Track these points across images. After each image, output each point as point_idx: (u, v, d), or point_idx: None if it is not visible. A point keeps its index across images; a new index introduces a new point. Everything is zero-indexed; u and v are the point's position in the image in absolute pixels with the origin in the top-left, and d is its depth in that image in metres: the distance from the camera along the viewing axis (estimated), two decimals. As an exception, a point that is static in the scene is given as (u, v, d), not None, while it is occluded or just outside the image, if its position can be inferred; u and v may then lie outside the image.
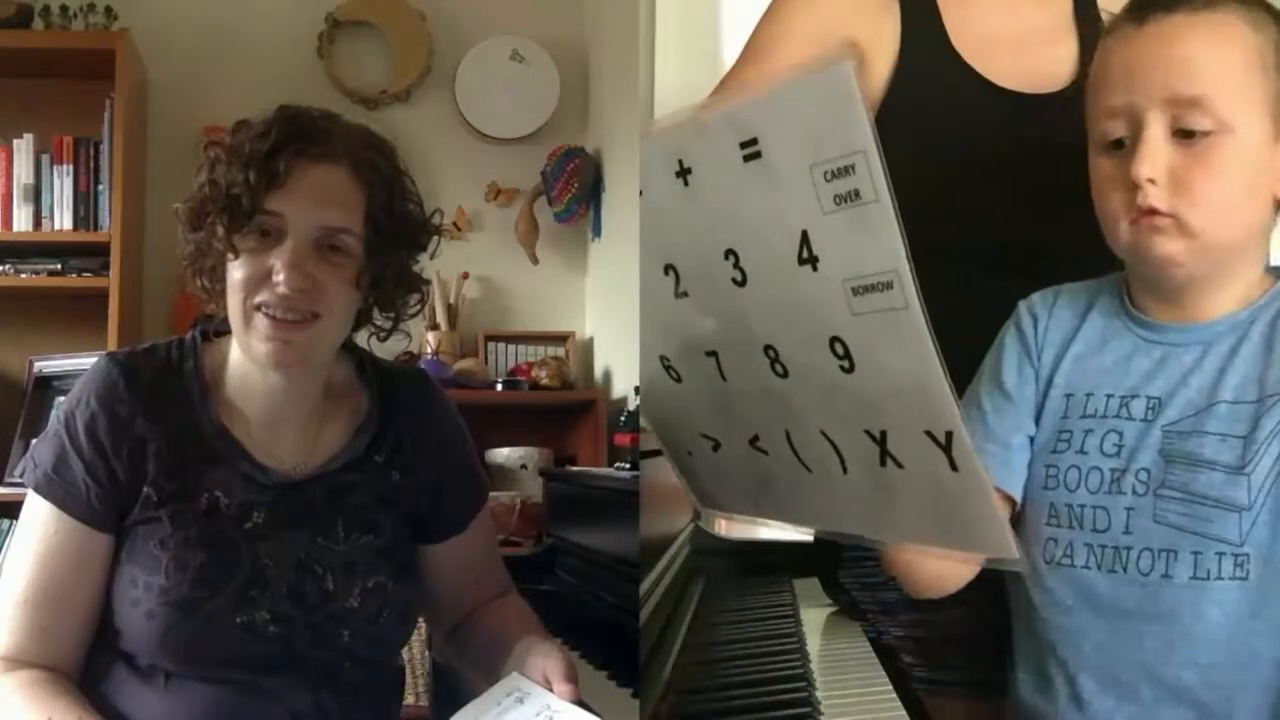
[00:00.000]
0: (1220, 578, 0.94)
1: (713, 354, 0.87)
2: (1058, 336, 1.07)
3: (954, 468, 0.72)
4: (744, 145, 0.72)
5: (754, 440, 0.90)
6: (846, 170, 0.66)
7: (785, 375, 0.81)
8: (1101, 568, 0.99)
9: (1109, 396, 1.02)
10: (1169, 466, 0.97)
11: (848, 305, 0.71)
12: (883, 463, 0.77)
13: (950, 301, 1.14)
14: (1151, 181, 0.94)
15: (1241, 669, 0.94)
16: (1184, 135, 0.94)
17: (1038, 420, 1.07)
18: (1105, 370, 1.04)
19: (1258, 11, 0.96)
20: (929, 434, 0.72)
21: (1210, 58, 0.94)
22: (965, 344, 1.10)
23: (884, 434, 0.76)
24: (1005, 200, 1.17)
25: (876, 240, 0.67)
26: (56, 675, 1.11)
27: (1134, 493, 0.98)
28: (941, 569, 1.03)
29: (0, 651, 1.11)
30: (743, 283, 0.79)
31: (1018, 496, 1.06)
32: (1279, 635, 0.94)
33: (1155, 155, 0.94)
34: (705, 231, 0.80)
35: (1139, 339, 1.03)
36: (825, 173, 0.67)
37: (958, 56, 1.20)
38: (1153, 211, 0.95)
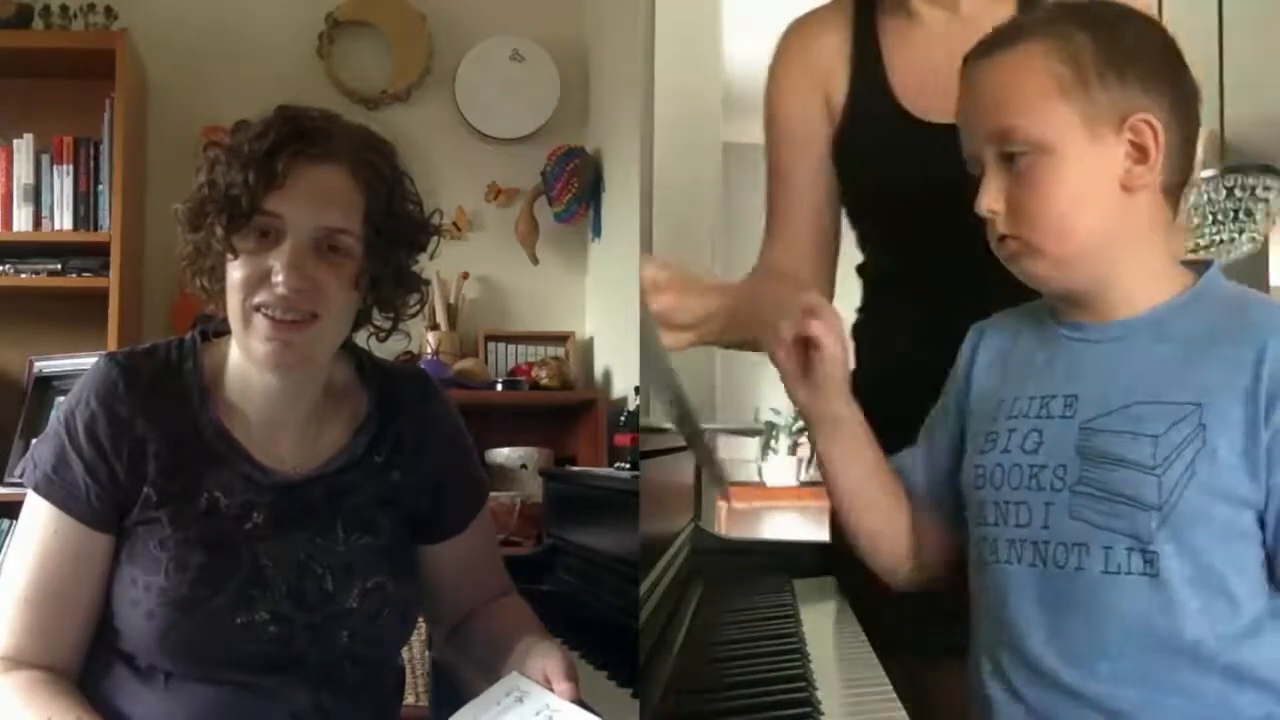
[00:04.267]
0: (1130, 572, 0.97)
1: None
2: (990, 355, 1.13)
3: None
4: None
5: None
6: None
7: None
8: (1023, 562, 1.02)
9: (1032, 398, 1.06)
10: (1084, 463, 1.00)
11: None
12: None
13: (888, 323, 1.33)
14: (993, 212, 1.03)
15: (1150, 661, 0.96)
16: (1007, 160, 1.02)
17: (972, 427, 1.12)
18: (1034, 372, 1.08)
19: (1062, 28, 1.01)
20: None
21: (1010, 91, 1.02)
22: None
23: None
24: (938, 227, 1.20)
25: None
26: (56, 675, 1.11)
27: (1052, 488, 1.01)
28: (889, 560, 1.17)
29: (0, 651, 1.12)
30: None
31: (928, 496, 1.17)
32: (1185, 632, 0.96)
33: (992, 187, 1.03)
34: None
35: (1063, 338, 1.07)
36: None
37: (892, 97, 1.30)
38: (1003, 238, 1.03)
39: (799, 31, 1.39)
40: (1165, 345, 1.01)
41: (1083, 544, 0.99)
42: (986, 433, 1.08)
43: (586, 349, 3.32)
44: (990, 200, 1.03)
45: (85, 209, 2.92)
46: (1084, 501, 0.99)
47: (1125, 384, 1.00)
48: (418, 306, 1.25)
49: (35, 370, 2.92)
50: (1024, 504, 1.03)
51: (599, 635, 1.72)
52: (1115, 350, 1.03)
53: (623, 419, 2.74)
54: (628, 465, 2.22)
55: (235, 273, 1.11)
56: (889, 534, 1.18)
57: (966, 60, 1.06)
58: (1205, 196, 4.01)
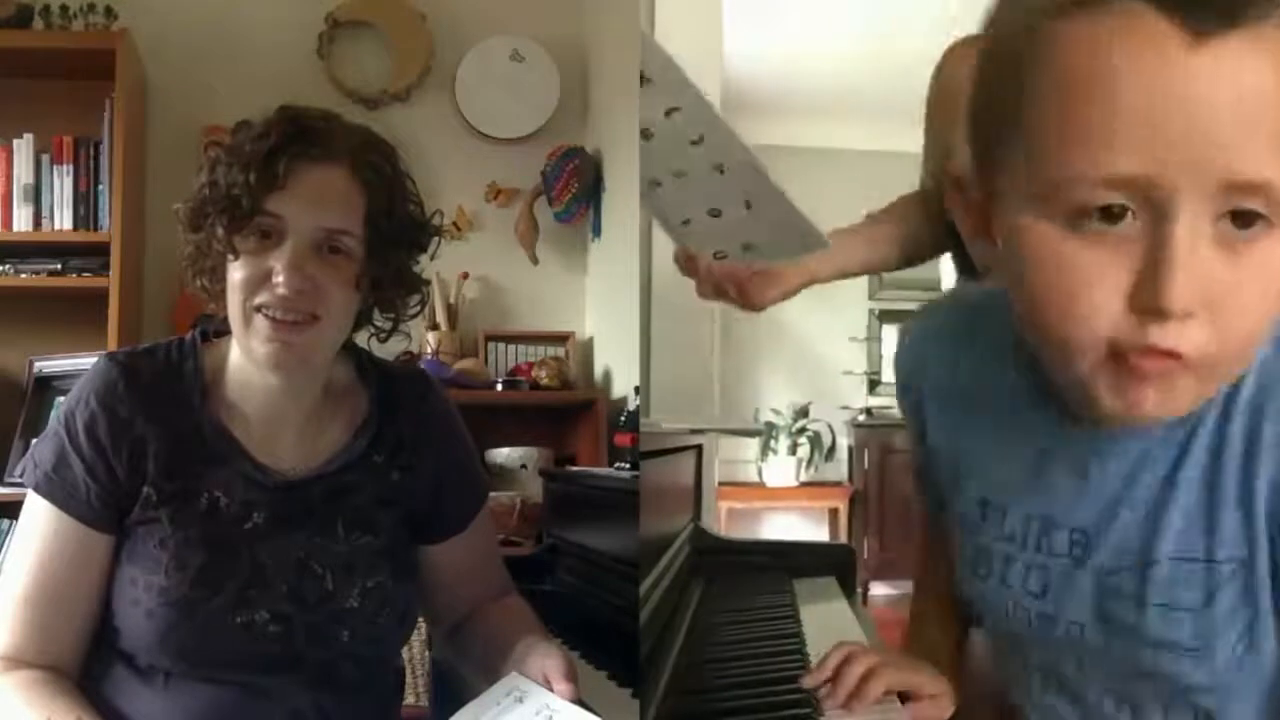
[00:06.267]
0: None
1: None
2: (939, 403, 0.90)
3: None
4: None
5: None
6: None
7: None
8: (1061, 695, 0.89)
9: (1028, 517, 0.82)
10: (1109, 635, 0.79)
11: None
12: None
13: None
14: (1188, 315, 0.61)
15: None
16: (1238, 224, 0.61)
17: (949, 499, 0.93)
18: (1019, 471, 0.82)
19: None
20: None
21: (1265, 112, 0.59)
22: None
23: None
24: None
25: None
26: (56, 675, 1.11)
27: (1069, 635, 0.82)
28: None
29: (0, 651, 1.12)
30: None
31: None
32: None
33: (1195, 274, 0.60)
34: None
35: (1055, 433, 0.79)
36: None
37: None
38: (1169, 355, 0.63)
39: None
40: (1190, 464, 0.74)
41: (1134, 704, 0.83)
42: (978, 546, 0.86)
43: (586, 349, 3.32)
44: (1190, 296, 0.60)
45: (85, 209, 2.91)
46: (1121, 681, 0.82)
47: (1143, 522, 0.75)
48: (418, 307, 1.26)
49: (35, 370, 2.92)
50: (1046, 642, 0.84)
51: (599, 635, 1.72)
52: (1127, 467, 0.76)
53: (623, 419, 2.74)
54: (628, 465, 2.21)
55: (236, 273, 1.11)
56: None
57: (1174, 9, 0.60)
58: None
